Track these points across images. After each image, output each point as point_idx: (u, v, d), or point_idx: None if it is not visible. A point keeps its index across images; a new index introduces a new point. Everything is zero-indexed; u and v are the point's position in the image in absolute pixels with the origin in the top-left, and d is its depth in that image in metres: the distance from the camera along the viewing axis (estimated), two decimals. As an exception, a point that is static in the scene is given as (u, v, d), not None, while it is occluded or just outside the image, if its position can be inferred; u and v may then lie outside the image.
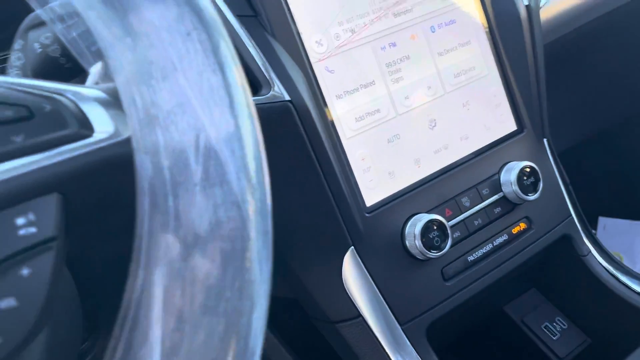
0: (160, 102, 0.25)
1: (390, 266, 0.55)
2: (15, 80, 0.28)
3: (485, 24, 0.63)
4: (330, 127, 0.53)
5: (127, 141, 0.27)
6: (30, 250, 0.24)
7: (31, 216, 0.24)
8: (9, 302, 0.23)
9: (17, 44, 0.39)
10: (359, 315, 0.54)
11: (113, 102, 0.29)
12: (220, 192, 0.24)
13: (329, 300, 0.56)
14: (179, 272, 0.23)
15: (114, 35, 0.25)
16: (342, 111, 0.54)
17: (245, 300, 0.24)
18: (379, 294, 0.54)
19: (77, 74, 0.40)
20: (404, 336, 0.55)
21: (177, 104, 0.25)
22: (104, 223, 0.30)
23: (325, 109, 0.53)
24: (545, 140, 0.67)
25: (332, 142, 0.53)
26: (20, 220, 0.24)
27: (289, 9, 0.52)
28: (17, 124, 0.25)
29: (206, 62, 0.25)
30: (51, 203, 0.25)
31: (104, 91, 0.30)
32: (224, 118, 0.25)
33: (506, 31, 0.63)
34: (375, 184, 0.56)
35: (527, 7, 0.64)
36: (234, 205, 0.24)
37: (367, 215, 0.54)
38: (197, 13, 0.26)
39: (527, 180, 0.60)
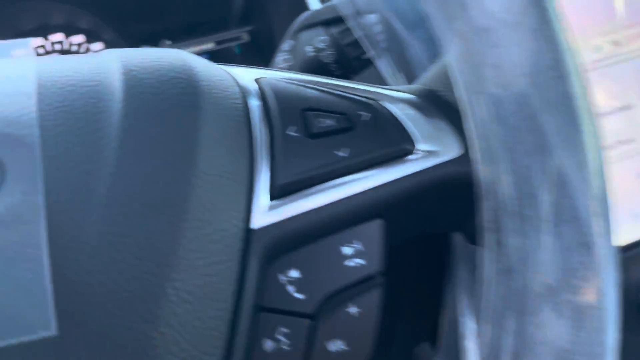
0: (504, 114, 0.20)
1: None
2: (324, 80, 0.24)
3: None
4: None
5: (457, 161, 0.23)
6: (359, 285, 0.21)
7: (358, 245, 0.21)
8: (339, 345, 0.20)
9: (287, 45, 0.36)
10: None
11: (427, 107, 0.25)
12: (570, 231, 0.20)
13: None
14: (529, 329, 0.19)
15: (455, 31, 0.21)
16: (589, 135, 0.46)
17: None
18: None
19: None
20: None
21: (523, 118, 0.20)
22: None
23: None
24: None
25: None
26: (346, 250, 0.21)
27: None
28: (339, 135, 0.22)
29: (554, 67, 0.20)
30: (376, 231, 0.21)
31: (414, 93, 0.25)
32: (574, 137, 0.20)
33: None
34: (615, 225, 0.47)
35: None
36: (585, 247, 0.20)
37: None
38: (539, 3, 0.21)
39: None
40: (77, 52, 0.77)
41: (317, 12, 0.33)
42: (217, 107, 0.20)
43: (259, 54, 0.80)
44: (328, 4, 0.32)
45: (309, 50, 0.34)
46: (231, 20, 0.78)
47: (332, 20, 0.31)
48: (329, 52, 0.33)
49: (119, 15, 0.77)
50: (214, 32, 0.78)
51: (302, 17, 0.35)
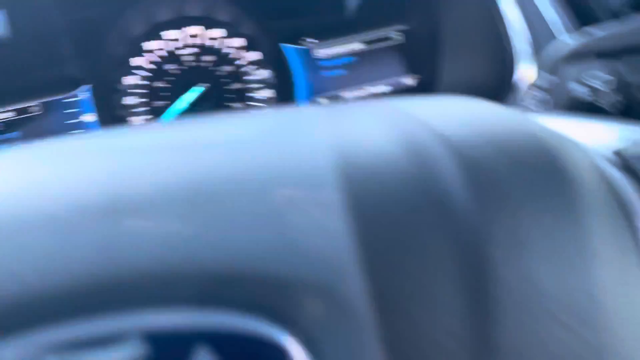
0: None
1: None
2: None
3: None
4: None
5: None
6: None
7: None
8: None
9: (542, 80, 0.29)
10: None
11: None
12: None
13: None
14: None
15: None
16: None
17: None
18: None
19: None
20: None
21: None
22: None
23: None
24: None
25: None
26: None
27: None
28: None
29: None
30: None
31: None
32: None
33: None
34: None
35: None
36: None
37: None
38: None
39: None
40: (215, 48, 0.74)
41: (592, 41, 0.26)
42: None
43: (414, 59, 0.72)
44: (606, 28, 0.25)
45: (578, 89, 0.26)
46: (383, 17, 0.71)
47: (615, 52, 0.23)
48: (609, 94, 0.25)
49: (261, 8, 0.74)
50: (362, 31, 0.72)
51: (568, 45, 0.28)
